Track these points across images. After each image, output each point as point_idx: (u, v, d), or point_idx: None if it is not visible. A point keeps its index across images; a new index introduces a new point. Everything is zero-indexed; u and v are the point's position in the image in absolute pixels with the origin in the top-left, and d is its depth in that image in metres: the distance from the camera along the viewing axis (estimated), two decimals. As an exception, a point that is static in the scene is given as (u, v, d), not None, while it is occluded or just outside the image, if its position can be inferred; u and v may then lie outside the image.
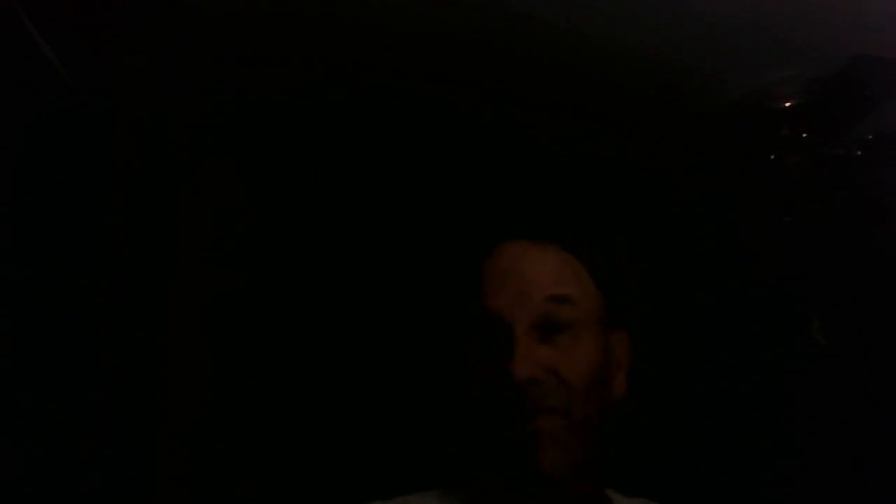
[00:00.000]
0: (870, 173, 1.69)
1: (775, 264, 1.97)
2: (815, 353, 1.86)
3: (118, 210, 1.53)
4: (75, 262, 1.39)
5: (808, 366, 1.91)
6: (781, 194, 1.76)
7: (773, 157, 1.71)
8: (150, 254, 1.68)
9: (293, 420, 2.08)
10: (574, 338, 0.96)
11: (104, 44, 1.39)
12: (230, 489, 1.93)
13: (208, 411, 1.90)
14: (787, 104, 1.66)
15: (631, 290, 1.04)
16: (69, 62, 1.30)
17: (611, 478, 1.03)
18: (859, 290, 1.87)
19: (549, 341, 0.95)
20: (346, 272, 2.20)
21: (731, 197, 1.96)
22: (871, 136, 1.65)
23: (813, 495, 1.83)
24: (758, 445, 1.99)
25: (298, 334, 2.13)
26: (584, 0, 1.46)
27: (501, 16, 1.51)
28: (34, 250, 1.29)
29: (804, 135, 1.68)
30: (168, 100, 1.70)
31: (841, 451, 1.84)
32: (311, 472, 2.03)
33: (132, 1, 1.44)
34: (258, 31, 1.60)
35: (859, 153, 1.66)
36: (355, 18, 1.55)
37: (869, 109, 1.58)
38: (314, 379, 2.12)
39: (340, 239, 2.20)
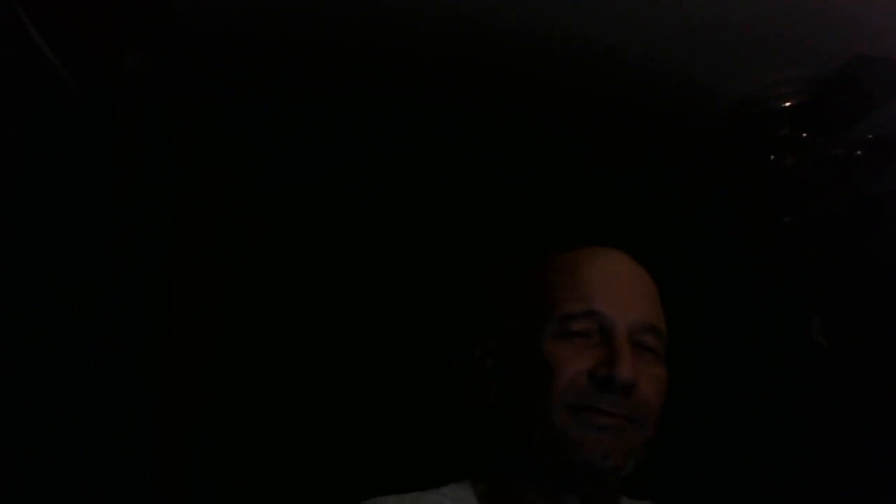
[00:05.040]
0: (870, 173, 1.69)
1: (775, 264, 1.97)
2: (815, 353, 1.86)
3: (118, 210, 1.53)
4: (75, 263, 1.39)
5: (808, 366, 1.90)
6: (781, 194, 1.76)
7: (773, 157, 1.71)
8: (151, 254, 1.68)
9: (293, 420, 2.08)
10: (657, 361, 1.00)
11: (104, 44, 1.39)
12: (230, 489, 1.93)
13: (208, 411, 1.90)
14: (787, 104, 1.66)
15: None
16: (69, 62, 1.30)
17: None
18: (859, 290, 1.87)
19: (639, 356, 0.98)
20: (347, 271, 2.20)
21: (731, 197, 1.96)
22: (871, 136, 1.65)
23: (813, 495, 1.82)
24: (758, 445, 1.99)
25: (298, 334, 2.14)
26: (585, 2, 1.46)
27: (503, 16, 1.51)
28: (34, 250, 1.29)
29: (804, 135, 1.68)
30: (168, 100, 1.70)
31: (841, 451, 1.84)
32: (312, 472, 2.03)
33: (132, 1, 1.44)
34: (258, 32, 1.61)
35: (859, 153, 1.66)
36: (359, 21, 1.55)
37: (869, 109, 1.58)
38: (314, 379, 2.12)
39: (341, 239, 2.20)
